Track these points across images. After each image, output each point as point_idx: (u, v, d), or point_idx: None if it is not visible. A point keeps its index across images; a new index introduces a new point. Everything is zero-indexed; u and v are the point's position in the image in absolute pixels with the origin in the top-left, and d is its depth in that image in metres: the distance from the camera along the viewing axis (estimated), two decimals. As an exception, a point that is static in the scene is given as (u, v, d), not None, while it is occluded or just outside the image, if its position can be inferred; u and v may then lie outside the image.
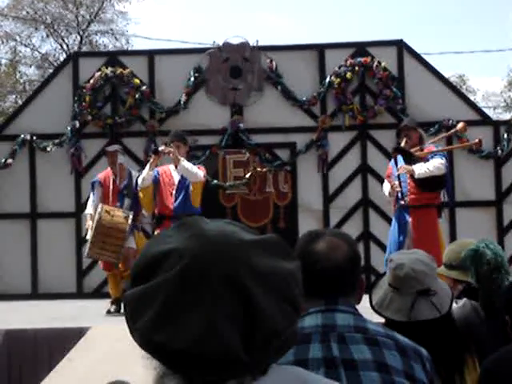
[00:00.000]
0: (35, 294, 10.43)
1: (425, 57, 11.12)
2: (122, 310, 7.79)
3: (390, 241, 7.52)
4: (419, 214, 7.19)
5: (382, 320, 2.60)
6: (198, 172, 7.70)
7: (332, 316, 1.91)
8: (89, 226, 8.25)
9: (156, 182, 7.77)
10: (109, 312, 8.13)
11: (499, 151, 10.41)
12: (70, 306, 8.47)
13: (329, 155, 10.54)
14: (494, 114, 27.60)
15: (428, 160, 7.14)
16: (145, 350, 1.07)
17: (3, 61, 27.30)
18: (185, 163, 7.61)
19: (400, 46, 10.73)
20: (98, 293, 10.12)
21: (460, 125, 7.93)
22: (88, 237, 8.10)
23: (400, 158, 7.25)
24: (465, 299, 2.77)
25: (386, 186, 7.49)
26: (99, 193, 8.39)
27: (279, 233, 10.16)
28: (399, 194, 7.26)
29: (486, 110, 13.59)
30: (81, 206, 10.36)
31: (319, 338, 1.87)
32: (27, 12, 26.12)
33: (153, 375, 1.10)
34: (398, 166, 7.22)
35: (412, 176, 7.12)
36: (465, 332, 2.71)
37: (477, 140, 7.75)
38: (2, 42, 26.51)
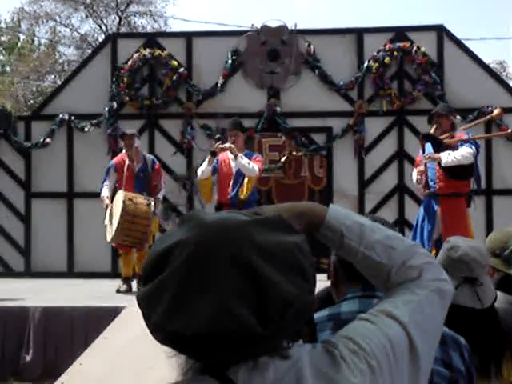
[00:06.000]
0: (71, 273, 10.58)
1: (465, 42, 10.97)
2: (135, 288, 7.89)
3: (414, 230, 7.44)
4: (448, 202, 7.10)
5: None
6: (254, 167, 7.67)
7: (369, 302, 1.89)
8: (107, 206, 8.30)
9: (215, 170, 7.83)
10: (118, 291, 8.21)
11: (539, 139, 10.25)
12: (106, 285, 8.56)
13: (365, 140, 10.48)
14: (534, 102, 27.08)
15: (457, 148, 7.01)
16: (163, 343, 1.10)
17: (43, 41, 27.56)
18: (241, 160, 7.62)
19: (440, 31, 10.59)
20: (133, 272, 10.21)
21: (496, 111, 7.81)
22: (106, 221, 8.17)
23: (428, 146, 7.15)
24: (498, 292, 2.71)
25: (415, 174, 7.44)
26: (114, 178, 8.48)
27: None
28: (427, 182, 7.19)
29: (526, 98, 13.35)
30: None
31: (356, 324, 1.87)
32: (67, -7, 26.24)
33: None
34: (425, 154, 7.14)
35: (439, 164, 7.04)
36: (504, 325, 2.67)
37: (509, 130, 7.61)
38: (42, 22, 26.75)
